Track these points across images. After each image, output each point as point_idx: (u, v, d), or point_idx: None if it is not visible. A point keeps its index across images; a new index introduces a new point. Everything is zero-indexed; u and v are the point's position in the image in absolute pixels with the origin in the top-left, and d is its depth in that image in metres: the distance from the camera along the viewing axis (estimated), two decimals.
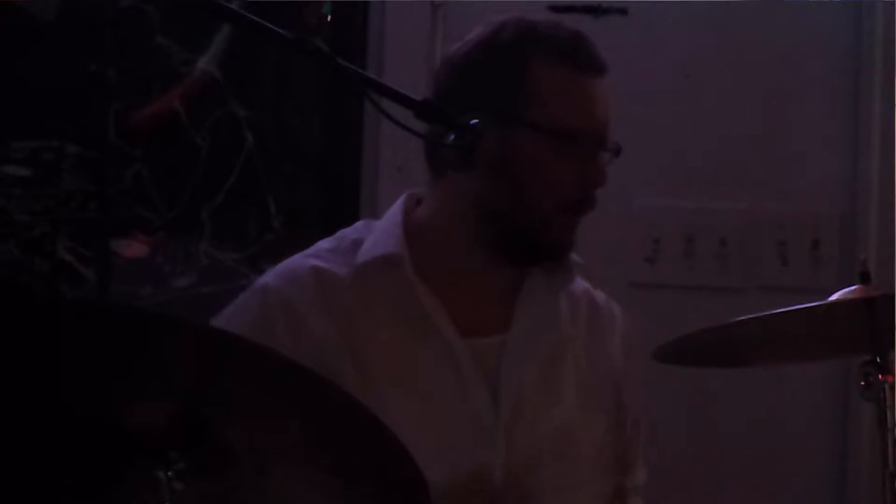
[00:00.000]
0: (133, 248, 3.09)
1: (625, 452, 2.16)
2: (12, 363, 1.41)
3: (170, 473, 1.46)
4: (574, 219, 2.04)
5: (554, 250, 2.06)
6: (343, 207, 3.12)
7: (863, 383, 2.00)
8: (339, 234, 2.14)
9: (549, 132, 1.98)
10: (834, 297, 2.03)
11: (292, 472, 1.55)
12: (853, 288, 2.03)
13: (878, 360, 2.00)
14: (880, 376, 1.99)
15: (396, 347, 2.03)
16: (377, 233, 2.09)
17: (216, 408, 1.48)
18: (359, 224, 2.16)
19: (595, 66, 2.03)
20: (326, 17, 3.16)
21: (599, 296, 2.21)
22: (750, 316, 2.01)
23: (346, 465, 1.54)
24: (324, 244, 2.13)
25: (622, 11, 3.17)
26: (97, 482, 1.54)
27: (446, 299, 2.05)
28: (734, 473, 3.16)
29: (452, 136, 1.83)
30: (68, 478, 1.54)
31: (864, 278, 2.04)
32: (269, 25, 1.72)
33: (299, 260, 2.10)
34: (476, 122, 1.83)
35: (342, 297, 2.04)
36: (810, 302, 2.01)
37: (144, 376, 1.45)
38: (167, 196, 3.09)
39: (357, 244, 2.09)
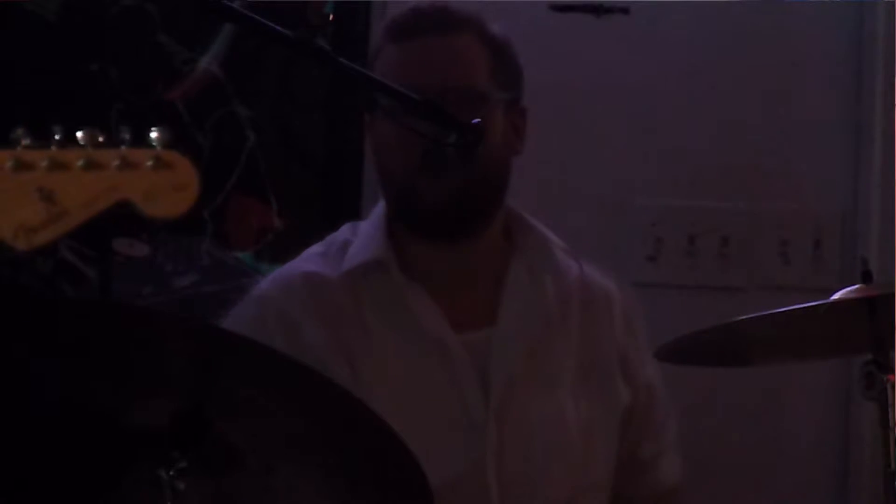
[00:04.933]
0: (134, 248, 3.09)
1: (638, 426, 2.16)
2: (14, 362, 1.41)
3: (172, 472, 1.46)
4: (433, 176, 1.96)
5: (428, 211, 2.02)
6: (345, 206, 3.12)
7: (864, 382, 2.00)
8: (329, 238, 2.16)
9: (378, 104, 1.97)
10: (835, 297, 2.03)
11: (295, 471, 1.55)
12: (855, 287, 2.03)
13: (880, 359, 1.99)
14: (882, 375, 1.98)
15: (388, 349, 2.04)
16: (361, 237, 2.10)
17: (218, 407, 1.48)
18: (345, 227, 2.17)
19: (407, 31, 2.06)
20: (329, 17, 3.16)
21: (593, 276, 2.19)
22: (751, 315, 2.01)
23: (349, 464, 1.54)
24: (314, 249, 2.15)
25: (624, 10, 3.17)
26: (99, 481, 1.54)
27: (438, 296, 2.06)
28: (735, 472, 3.16)
29: (454, 136, 1.84)
30: (71, 476, 1.54)
31: (866, 277, 2.04)
32: (272, 24, 1.72)
33: (291, 267, 2.13)
34: (478, 122, 1.84)
35: (333, 301, 2.06)
36: (812, 301, 2.00)
37: (147, 375, 1.45)
38: None
39: (345, 247, 2.10)
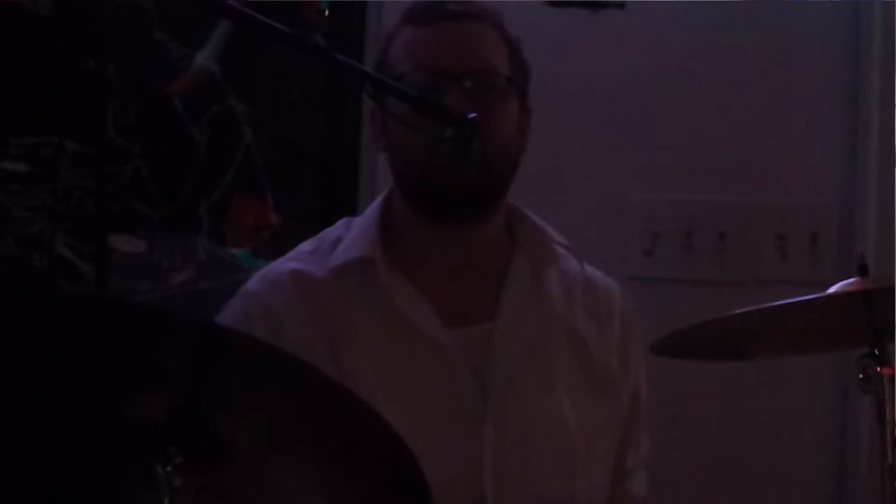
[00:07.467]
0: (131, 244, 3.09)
1: (624, 433, 2.15)
2: (9, 358, 1.41)
3: (168, 468, 1.46)
4: (450, 160, 1.92)
5: (444, 195, 2.00)
6: (341, 203, 3.12)
7: (861, 376, 2.00)
8: (322, 234, 2.16)
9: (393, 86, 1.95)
10: (832, 290, 2.03)
11: (291, 466, 1.55)
12: (851, 281, 2.03)
13: (877, 352, 1.99)
14: (879, 369, 1.98)
15: (377, 347, 2.03)
16: (352, 234, 2.10)
17: (214, 402, 1.48)
18: (340, 222, 2.16)
19: (429, 15, 2.06)
20: (325, 13, 3.16)
21: (595, 276, 2.20)
22: (749, 309, 2.01)
23: (345, 459, 1.54)
24: (305, 246, 2.14)
25: (620, 6, 3.17)
26: (96, 477, 1.54)
27: (431, 292, 2.05)
28: (732, 467, 3.16)
29: (450, 131, 1.83)
30: (67, 473, 1.54)
31: (863, 271, 2.04)
32: (268, 21, 1.72)
33: (280, 264, 2.12)
34: (473, 116, 1.84)
35: (321, 299, 2.05)
36: (809, 295, 2.00)
37: (143, 371, 1.45)
38: (165, 192, 3.09)
39: (337, 244, 2.10)
